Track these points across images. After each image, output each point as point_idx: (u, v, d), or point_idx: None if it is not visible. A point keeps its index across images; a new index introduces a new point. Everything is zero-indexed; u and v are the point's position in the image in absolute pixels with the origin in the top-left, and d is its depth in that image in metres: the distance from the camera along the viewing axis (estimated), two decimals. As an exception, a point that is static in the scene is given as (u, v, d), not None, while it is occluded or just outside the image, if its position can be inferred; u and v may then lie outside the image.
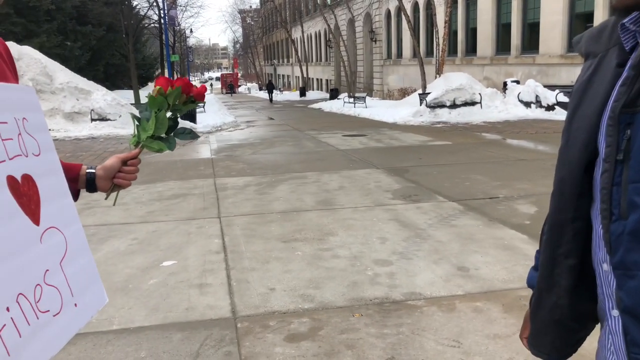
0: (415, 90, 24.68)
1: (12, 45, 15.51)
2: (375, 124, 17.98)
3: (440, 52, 22.64)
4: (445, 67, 22.48)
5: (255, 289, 4.15)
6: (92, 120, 16.96)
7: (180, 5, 43.21)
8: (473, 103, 17.87)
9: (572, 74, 17.10)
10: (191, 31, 58.46)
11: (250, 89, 66.78)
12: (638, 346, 0.88)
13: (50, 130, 1.23)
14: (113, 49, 33.24)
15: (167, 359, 3.16)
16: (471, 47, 24.61)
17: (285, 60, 62.10)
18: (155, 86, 1.55)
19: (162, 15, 31.90)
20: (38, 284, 0.98)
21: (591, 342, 1.13)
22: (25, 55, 17.27)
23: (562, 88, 16.74)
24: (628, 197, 0.85)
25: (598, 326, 1.08)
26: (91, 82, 19.61)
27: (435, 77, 22.14)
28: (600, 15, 16.69)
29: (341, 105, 26.27)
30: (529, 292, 1.23)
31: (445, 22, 22.09)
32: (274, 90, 40.48)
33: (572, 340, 1.10)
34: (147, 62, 41.09)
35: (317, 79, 49.10)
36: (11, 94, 1.07)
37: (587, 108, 0.97)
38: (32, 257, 0.98)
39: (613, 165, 0.88)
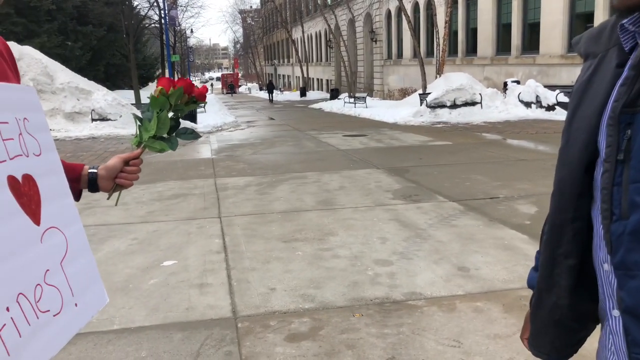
0: (415, 91, 24.68)
1: (13, 45, 15.51)
2: (376, 124, 17.98)
3: (441, 52, 22.64)
4: (445, 67, 22.48)
5: (255, 289, 4.15)
6: (93, 120, 16.97)
7: (181, 6, 43.26)
8: (473, 103, 17.87)
9: (572, 74, 17.09)
10: (192, 31, 58.57)
11: (250, 89, 66.80)
12: (639, 346, 0.88)
13: (50, 130, 1.23)
14: (114, 49, 33.24)
15: (168, 359, 3.16)
16: (471, 47, 24.60)
17: (286, 60, 62.10)
18: (157, 86, 1.55)
19: (163, 15, 31.93)
20: (38, 284, 0.98)
21: (591, 343, 1.13)
22: (26, 55, 17.28)
23: (563, 88, 16.74)
24: (629, 197, 0.86)
25: (598, 326, 1.08)
26: (92, 82, 19.63)
27: (436, 77, 22.14)
28: (601, 15, 16.68)
29: (341, 106, 26.28)
30: (529, 292, 1.23)
31: (446, 22, 22.09)
32: (274, 91, 40.50)
33: (573, 341, 1.10)
34: (147, 62, 41.08)
35: (318, 79, 49.10)
36: (12, 94, 1.07)
37: (587, 108, 0.97)
38: (32, 257, 0.98)
39: (614, 165, 0.88)
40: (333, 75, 42.65)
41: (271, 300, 3.94)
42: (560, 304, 1.05)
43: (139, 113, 13.53)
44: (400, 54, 31.68)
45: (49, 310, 0.99)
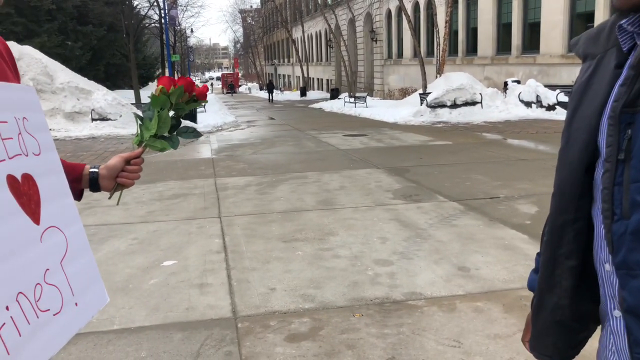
0: (415, 90, 24.69)
1: (13, 45, 15.52)
2: (376, 123, 17.98)
3: (441, 52, 22.63)
4: (445, 67, 22.48)
5: (255, 289, 4.15)
6: (93, 120, 16.97)
7: (181, 5, 43.28)
8: (474, 103, 17.86)
9: (572, 73, 17.08)
10: (192, 31, 58.57)
11: (250, 88, 66.80)
12: None
13: (50, 130, 1.23)
14: (114, 48, 33.25)
15: (168, 359, 3.16)
16: (472, 47, 24.60)
17: (286, 60, 62.10)
18: (157, 85, 1.55)
19: (163, 15, 31.93)
20: (38, 283, 0.98)
21: (591, 343, 1.12)
22: (26, 55, 17.28)
23: (563, 88, 16.74)
24: (630, 196, 0.86)
25: (599, 326, 1.08)
26: (92, 82, 19.63)
27: (436, 77, 22.14)
28: (601, 15, 16.68)
29: (342, 105, 26.27)
30: (529, 293, 1.23)
31: (446, 22, 22.09)
32: (274, 90, 40.50)
33: (574, 342, 1.10)
34: (147, 62, 41.10)
35: (318, 79, 49.10)
36: (11, 94, 1.07)
37: (586, 109, 0.97)
38: (32, 257, 0.98)
39: (614, 165, 0.88)
40: (333, 75, 42.65)
41: (271, 300, 3.94)
42: (562, 304, 1.05)
43: (139, 112, 13.53)
44: (400, 54, 31.67)
45: (49, 310, 0.99)
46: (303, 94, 42.59)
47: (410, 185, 7.77)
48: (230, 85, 60.76)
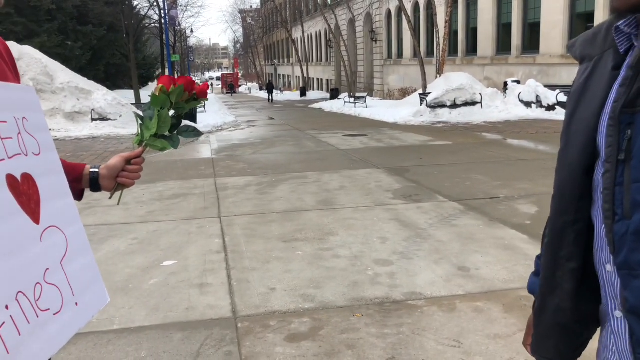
0: (415, 90, 24.68)
1: (12, 45, 15.52)
2: (376, 123, 17.98)
3: (441, 52, 22.64)
4: (445, 67, 22.48)
5: (255, 289, 4.15)
6: (93, 120, 16.97)
7: (181, 5, 43.28)
8: (474, 103, 17.87)
9: (572, 74, 17.01)
10: (192, 31, 58.58)
11: (250, 88, 66.81)
12: None
13: (50, 130, 1.22)
14: (114, 48, 33.24)
15: (168, 359, 3.16)
16: (472, 47, 24.60)
17: (286, 60, 62.10)
18: (158, 84, 1.54)
19: (163, 15, 31.94)
20: (38, 283, 0.98)
21: (590, 343, 1.12)
22: (26, 55, 17.28)
23: (563, 88, 16.74)
24: (631, 196, 0.86)
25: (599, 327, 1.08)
26: (92, 82, 19.63)
27: (436, 77, 22.14)
28: (601, 15, 16.68)
29: (342, 105, 26.27)
30: (529, 293, 1.23)
31: (446, 22, 22.09)
32: (274, 91, 40.50)
33: (576, 344, 1.09)
34: (147, 62, 41.08)
35: (318, 79, 49.10)
36: (11, 94, 1.07)
37: (585, 110, 0.97)
38: (32, 256, 0.98)
39: (615, 165, 0.88)
40: (333, 75, 42.65)
41: (271, 300, 3.94)
42: (564, 306, 1.05)
43: (140, 112, 13.53)
44: (400, 54, 31.67)
45: (48, 309, 0.99)
46: (303, 94, 42.58)
47: (410, 185, 7.77)
48: (230, 86, 60.77)
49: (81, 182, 1.49)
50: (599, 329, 1.08)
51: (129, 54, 26.25)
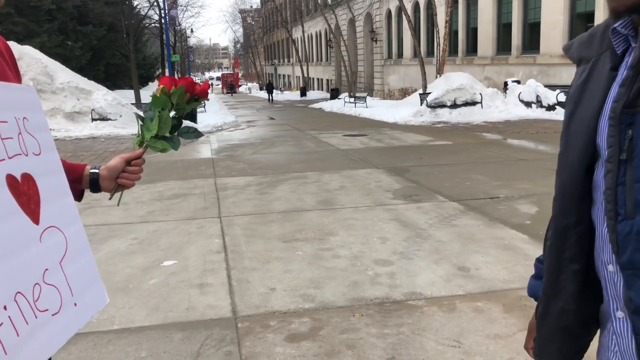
0: (415, 90, 24.68)
1: (13, 45, 15.51)
2: (376, 123, 17.97)
3: (441, 52, 22.63)
4: (445, 67, 22.48)
5: (255, 289, 4.15)
6: (93, 120, 16.97)
7: (181, 5, 43.29)
8: (474, 103, 17.86)
9: (572, 74, 16.62)
10: (192, 31, 58.58)
11: (250, 88, 66.82)
12: None
13: (50, 130, 1.22)
14: (114, 48, 33.25)
15: (168, 359, 3.16)
16: (472, 47, 24.60)
17: (286, 60, 62.09)
18: (159, 85, 1.54)
19: (163, 15, 31.94)
20: (37, 283, 0.98)
21: (590, 344, 1.12)
22: (26, 55, 17.28)
23: (563, 88, 16.74)
24: (634, 196, 0.86)
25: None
26: (92, 82, 19.62)
27: (436, 77, 22.13)
28: (601, 15, 16.68)
29: (342, 105, 26.27)
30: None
31: (446, 22, 22.09)
32: (274, 90, 40.50)
33: (579, 347, 1.09)
34: (147, 62, 41.10)
35: (318, 79, 49.10)
36: (11, 94, 1.07)
37: (584, 111, 0.98)
38: (31, 256, 0.98)
39: (616, 165, 0.88)
40: (333, 75, 42.65)
41: (271, 300, 3.94)
42: (567, 309, 1.04)
43: (140, 113, 13.53)
44: (400, 54, 31.67)
45: (47, 310, 0.99)
46: (303, 94, 42.58)
47: (410, 185, 7.77)
48: (230, 86, 60.78)
49: (81, 182, 1.49)
50: (599, 330, 1.07)
51: (129, 54, 26.25)
